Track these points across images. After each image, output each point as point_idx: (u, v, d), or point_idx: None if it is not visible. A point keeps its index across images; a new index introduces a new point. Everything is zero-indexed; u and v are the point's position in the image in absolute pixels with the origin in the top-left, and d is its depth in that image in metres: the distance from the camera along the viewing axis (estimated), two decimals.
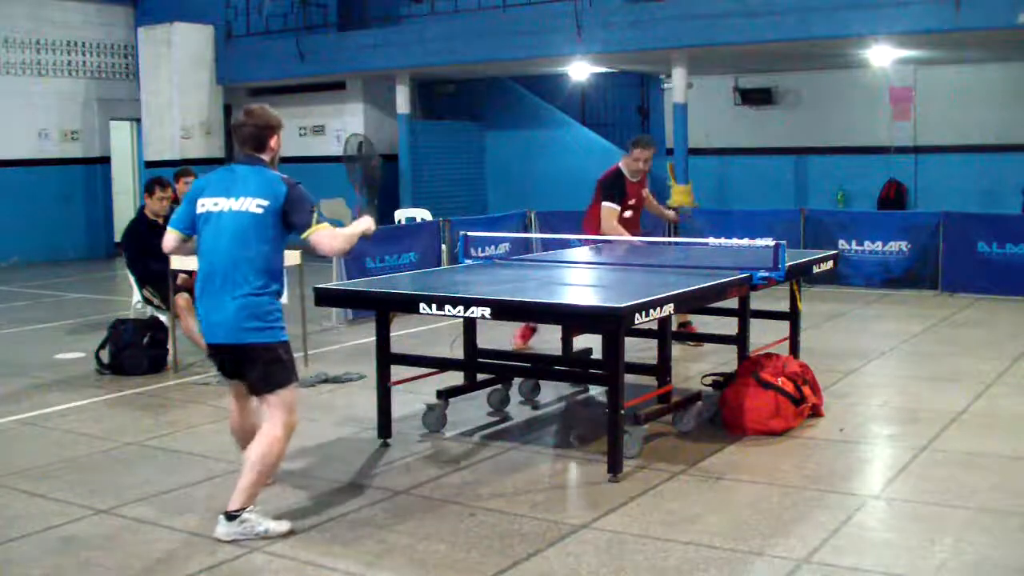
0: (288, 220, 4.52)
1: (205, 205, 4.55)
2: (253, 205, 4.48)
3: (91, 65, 17.72)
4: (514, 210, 13.33)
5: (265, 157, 4.67)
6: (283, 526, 4.47)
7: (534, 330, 8.58)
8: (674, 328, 6.72)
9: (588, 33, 13.50)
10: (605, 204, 8.05)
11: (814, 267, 6.93)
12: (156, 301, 8.21)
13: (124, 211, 16.87)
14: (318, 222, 4.56)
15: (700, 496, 4.91)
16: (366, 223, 4.82)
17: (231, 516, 4.38)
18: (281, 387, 4.49)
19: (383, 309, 5.74)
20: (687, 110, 14.06)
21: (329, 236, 4.58)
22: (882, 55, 13.62)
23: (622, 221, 8.08)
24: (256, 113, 4.70)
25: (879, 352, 8.31)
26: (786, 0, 12.10)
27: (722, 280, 5.80)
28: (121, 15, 18.13)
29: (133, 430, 6.28)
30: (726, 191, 16.45)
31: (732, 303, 6.37)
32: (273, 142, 4.69)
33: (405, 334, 8.93)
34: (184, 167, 10.49)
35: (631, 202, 8.19)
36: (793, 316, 7.02)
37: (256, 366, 4.49)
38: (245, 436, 4.73)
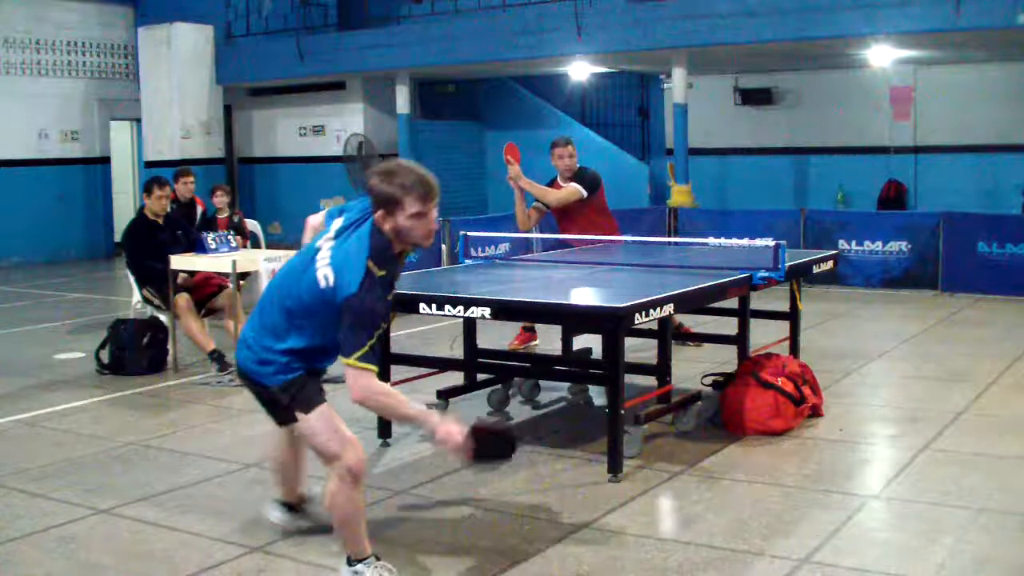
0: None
1: (322, 236, 3.93)
2: (321, 272, 3.75)
3: (91, 65, 17.72)
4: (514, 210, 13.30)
5: (384, 225, 3.78)
6: None
7: (531, 333, 8.56)
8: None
9: (588, 33, 13.49)
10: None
11: (814, 267, 6.93)
12: (156, 301, 8.21)
13: (124, 211, 16.86)
14: (362, 359, 3.63)
15: (700, 496, 4.91)
16: (447, 435, 3.68)
17: (349, 561, 3.96)
18: (287, 422, 3.99)
19: None
20: (687, 110, 14.05)
21: (365, 383, 3.64)
22: (882, 55, 13.62)
23: (563, 222, 8.18)
24: (390, 171, 3.80)
25: (879, 352, 8.31)
26: (786, 0, 12.10)
27: (722, 280, 5.80)
28: (121, 15, 18.12)
29: (133, 430, 6.29)
30: (726, 191, 16.45)
31: (732, 303, 6.37)
32: (392, 217, 3.75)
33: (405, 334, 8.93)
34: (184, 167, 10.50)
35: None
36: (793, 316, 7.01)
37: (262, 401, 4.04)
38: (281, 470, 4.40)
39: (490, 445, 3.79)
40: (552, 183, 8.31)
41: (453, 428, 3.70)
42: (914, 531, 4.48)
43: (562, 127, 16.70)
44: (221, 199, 10.55)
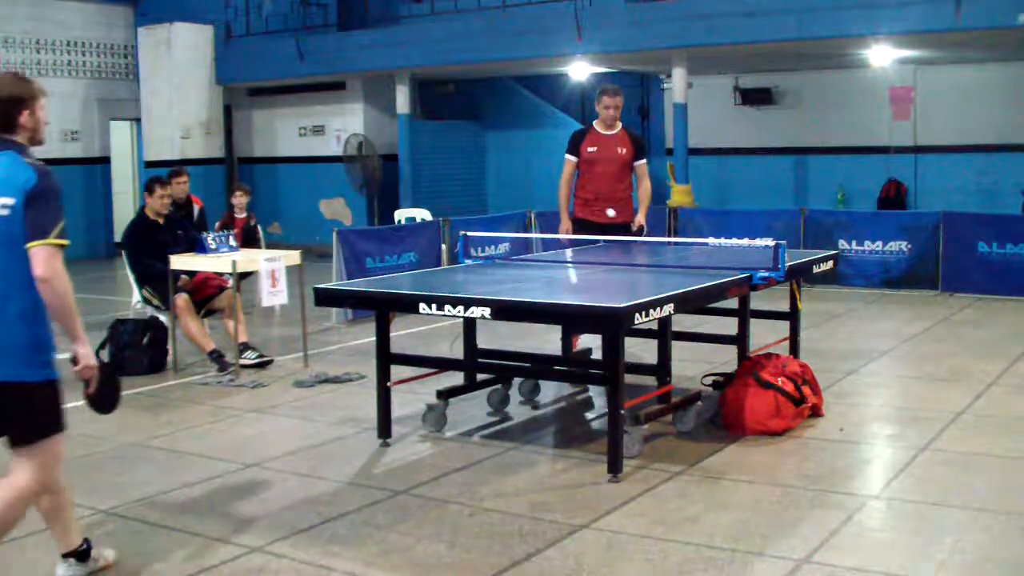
0: (26, 219, 3.54)
1: None
2: None
3: (91, 65, 17.72)
4: (514, 210, 13.33)
5: (17, 137, 3.69)
6: None
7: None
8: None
9: (588, 33, 13.49)
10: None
11: (814, 267, 6.93)
12: (155, 301, 8.21)
13: (124, 211, 16.86)
14: (58, 237, 3.59)
15: (700, 496, 4.91)
16: (88, 360, 3.81)
17: None
18: (51, 434, 3.80)
19: (383, 309, 5.74)
20: (687, 110, 14.05)
21: (52, 259, 3.58)
22: (882, 55, 13.62)
23: (587, 173, 7.82)
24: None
25: (879, 352, 8.31)
26: (786, 0, 12.10)
27: (722, 280, 5.79)
28: (121, 15, 18.13)
29: (133, 430, 6.28)
30: (726, 191, 16.45)
31: (732, 303, 6.37)
32: (23, 118, 3.68)
33: (405, 334, 8.93)
34: (177, 168, 10.43)
35: (591, 149, 7.79)
36: (793, 316, 7.02)
37: (21, 409, 3.73)
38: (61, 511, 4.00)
39: (108, 391, 4.03)
40: (588, 131, 7.91)
41: (93, 361, 3.79)
42: (914, 531, 4.48)
43: (562, 127, 16.72)
44: (241, 199, 10.52)
